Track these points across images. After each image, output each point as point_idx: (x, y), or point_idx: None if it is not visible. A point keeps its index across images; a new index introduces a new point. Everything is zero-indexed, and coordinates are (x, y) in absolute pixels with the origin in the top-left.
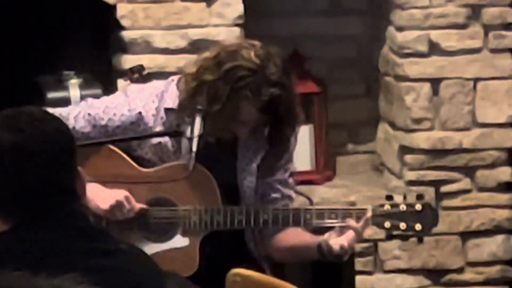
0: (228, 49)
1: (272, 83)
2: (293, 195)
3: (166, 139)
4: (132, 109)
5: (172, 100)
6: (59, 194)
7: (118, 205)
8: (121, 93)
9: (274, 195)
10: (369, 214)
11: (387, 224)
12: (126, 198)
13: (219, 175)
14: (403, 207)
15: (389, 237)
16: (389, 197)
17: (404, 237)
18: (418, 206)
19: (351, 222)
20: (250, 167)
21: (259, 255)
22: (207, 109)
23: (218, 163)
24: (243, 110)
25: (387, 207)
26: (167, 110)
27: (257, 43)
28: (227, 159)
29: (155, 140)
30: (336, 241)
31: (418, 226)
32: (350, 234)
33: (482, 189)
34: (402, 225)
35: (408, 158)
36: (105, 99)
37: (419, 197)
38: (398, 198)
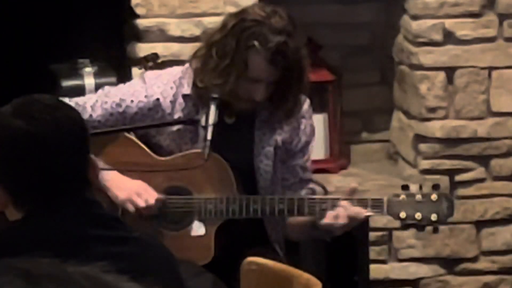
0: (233, 12)
1: (278, 31)
2: (311, 178)
3: (184, 126)
4: (150, 95)
5: (189, 86)
6: (72, 182)
7: (134, 198)
8: (138, 80)
9: (293, 179)
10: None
11: (403, 214)
12: (144, 189)
13: (236, 158)
14: (418, 197)
15: (405, 226)
16: (405, 187)
17: (419, 227)
18: (434, 196)
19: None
20: (266, 151)
21: (275, 240)
22: (217, 69)
23: (234, 146)
24: (252, 62)
25: (402, 197)
26: (185, 96)
27: (263, 3)
28: (244, 142)
29: (174, 127)
30: (326, 219)
31: (433, 216)
32: (340, 213)
33: (496, 178)
34: (418, 215)
35: (423, 146)
36: (122, 86)
37: (435, 187)
38: (414, 188)
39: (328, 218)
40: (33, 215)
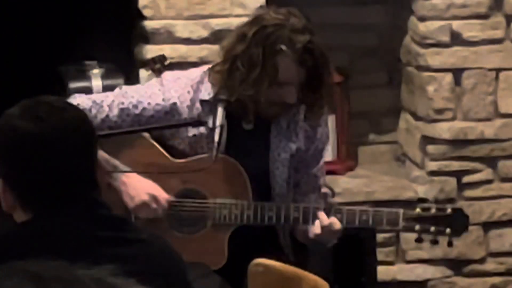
0: (247, 22)
1: (300, 31)
2: (323, 185)
3: (201, 131)
4: (167, 99)
5: (207, 91)
6: (79, 183)
7: (144, 206)
8: (156, 82)
9: (305, 187)
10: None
11: (417, 228)
12: (153, 197)
13: (252, 164)
14: (434, 211)
15: (419, 240)
16: (421, 200)
17: (433, 241)
18: (449, 211)
19: (320, 215)
20: (282, 158)
21: (284, 241)
22: (248, 79)
23: (251, 152)
24: (282, 66)
25: (418, 210)
26: (203, 101)
27: (274, 5)
28: (260, 149)
29: (190, 132)
30: (313, 230)
31: (448, 231)
32: (316, 224)
33: (504, 180)
34: (432, 229)
35: (430, 148)
36: (139, 87)
37: (451, 201)
38: (421, 192)
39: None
40: (40, 216)
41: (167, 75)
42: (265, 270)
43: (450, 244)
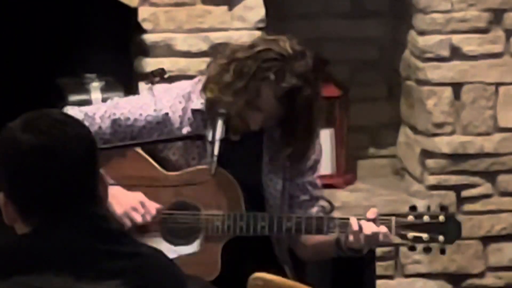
0: (265, 37)
1: (297, 74)
2: (322, 195)
3: (191, 141)
4: (159, 109)
5: (199, 100)
6: (80, 197)
7: (132, 211)
8: (147, 93)
9: (303, 197)
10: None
11: (410, 235)
12: (141, 203)
13: (244, 176)
14: (426, 218)
15: (412, 248)
16: (412, 208)
17: (426, 249)
18: (442, 218)
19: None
20: (276, 168)
21: (282, 257)
22: (233, 86)
23: (242, 164)
24: (263, 93)
25: (410, 218)
26: (194, 111)
27: (296, 40)
28: (252, 160)
29: (181, 142)
30: (352, 236)
31: (441, 238)
32: (367, 229)
33: (503, 194)
34: (425, 237)
35: (429, 162)
36: (131, 98)
37: (443, 208)
38: (421, 209)
39: (352, 237)
40: (40, 230)
41: (158, 86)
42: (264, 284)
43: (442, 251)
